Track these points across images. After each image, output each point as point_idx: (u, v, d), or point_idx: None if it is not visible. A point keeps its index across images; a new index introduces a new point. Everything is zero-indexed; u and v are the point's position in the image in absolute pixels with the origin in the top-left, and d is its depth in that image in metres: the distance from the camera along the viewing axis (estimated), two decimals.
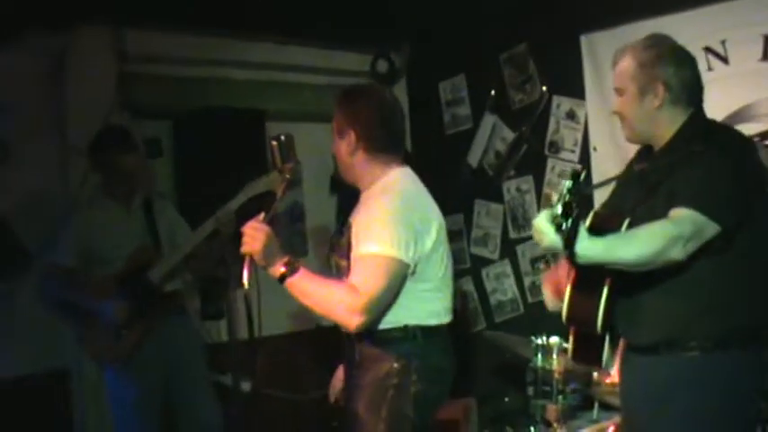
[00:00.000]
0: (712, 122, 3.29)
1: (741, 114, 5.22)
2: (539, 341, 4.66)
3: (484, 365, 6.13)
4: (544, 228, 2.78)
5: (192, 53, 5.83)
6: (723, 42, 5.30)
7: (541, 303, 6.13)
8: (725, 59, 5.30)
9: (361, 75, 6.88)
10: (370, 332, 3.42)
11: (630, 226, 3.05)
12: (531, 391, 4.74)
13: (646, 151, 3.37)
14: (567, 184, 2.70)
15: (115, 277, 4.92)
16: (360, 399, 3.46)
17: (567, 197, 2.69)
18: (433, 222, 3.53)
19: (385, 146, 3.58)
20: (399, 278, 3.39)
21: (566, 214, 2.69)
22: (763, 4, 5.15)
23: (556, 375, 4.57)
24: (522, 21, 6.13)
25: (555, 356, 4.58)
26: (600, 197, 4.18)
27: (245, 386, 5.51)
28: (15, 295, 5.19)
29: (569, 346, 3.32)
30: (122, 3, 5.18)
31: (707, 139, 3.09)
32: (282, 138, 3.57)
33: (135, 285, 4.91)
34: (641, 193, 3.19)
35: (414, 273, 3.44)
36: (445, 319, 3.60)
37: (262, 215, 3.44)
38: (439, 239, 3.53)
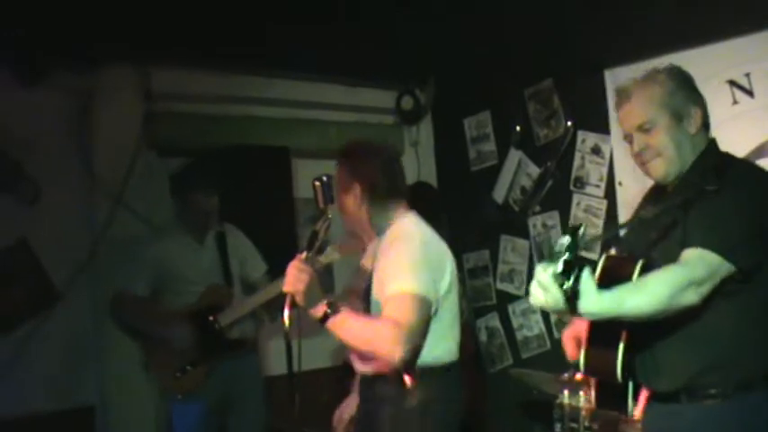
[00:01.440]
0: (726, 155, 3.13)
1: (766, 148, 5.20)
2: (566, 377, 4.63)
3: (511, 402, 6.10)
4: (548, 286, 2.61)
5: (217, 91, 5.88)
6: (748, 75, 5.28)
7: None
8: (750, 92, 5.29)
9: (387, 112, 6.93)
10: (392, 371, 3.60)
11: (645, 269, 2.92)
12: (558, 428, 4.71)
13: (658, 188, 3.25)
14: (566, 240, 2.55)
15: (186, 313, 4.97)
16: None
17: (567, 255, 2.55)
18: (447, 264, 3.74)
19: (389, 194, 3.80)
20: (427, 316, 3.57)
21: (566, 273, 2.56)
22: None
23: (583, 412, 4.53)
24: (547, 56, 6.14)
25: (582, 393, 4.54)
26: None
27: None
28: (44, 332, 5.21)
29: (593, 393, 3.24)
30: (148, 42, 5.21)
31: (720, 176, 2.92)
32: (325, 178, 3.63)
33: (204, 325, 4.95)
34: (655, 235, 3.07)
35: (435, 312, 3.63)
36: (457, 356, 3.78)
37: (304, 254, 3.53)
38: (452, 280, 3.73)
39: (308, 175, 5.72)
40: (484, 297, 6.75)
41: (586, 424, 4.51)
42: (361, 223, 3.85)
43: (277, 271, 4.56)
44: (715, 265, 2.80)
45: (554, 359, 5.99)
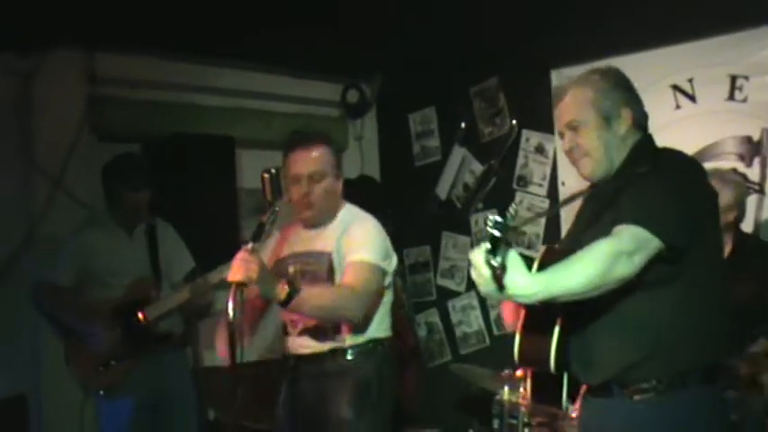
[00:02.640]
0: (660, 148, 3.12)
1: (708, 152, 5.28)
2: (505, 373, 4.65)
3: (449, 398, 6.12)
4: (478, 263, 2.59)
5: (163, 78, 5.83)
6: (691, 81, 5.37)
7: (507, 336, 6.21)
8: (692, 98, 5.37)
9: (332, 104, 6.91)
10: (350, 346, 3.94)
11: None
12: (496, 423, 4.73)
13: (595, 183, 3.20)
14: (495, 218, 2.51)
15: (111, 306, 4.87)
16: (339, 405, 3.89)
17: (495, 233, 2.50)
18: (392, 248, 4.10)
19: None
20: (381, 285, 3.97)
21: (494, 250, 2.51)
22: (730, 45, 5.22)
23: (522, 408, 4.55)
24: (494, 55, 6.17)
25: (521, 390, 4.56)
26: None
27: (210, 415, 5.50)
28: None
29: (528, 386, 3.23)
30: (93, 26, 5.13)
31: (652, 161, 2.94)
32: (274, 171, 3.64)
33: (130, 319, 4.87)
34: (588, 220, 3.09)
35: (388, 286, 4.03)
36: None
37: (250, 245, 3.55)
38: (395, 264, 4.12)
39: (251, 166, 5.75)
40: (424, 292, 6.77)
41: (525, 420, 4.54)
42: (330, 210, 4.03)
43: (217, 261, 4.52)
44: (643, 239, 2.75)
45: (493, 355, 6.05)
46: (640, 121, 3.10)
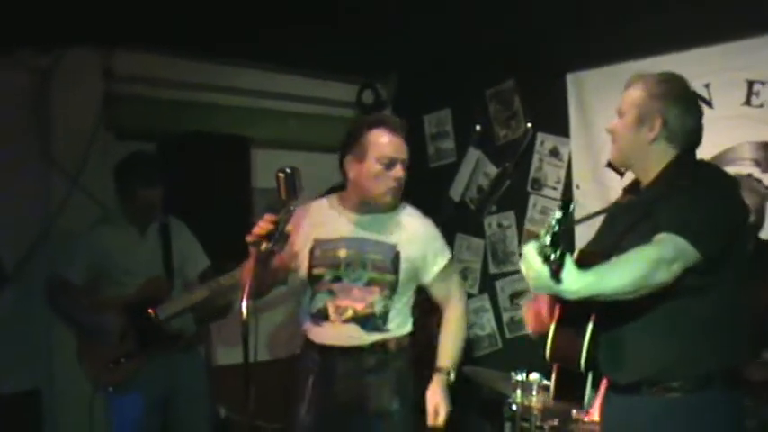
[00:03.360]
0: (700, 162, 3.26)
1: (724, 157, 5.26)
2: (518, 377, 4.65)
3: (461, 401, 6.10)
4: (532, 257, 2.73)
5: (180, 77, 5.85)
6: (707, 86, 5.35)
7: (520, 339, 6.20)
8: (709, 103, 5.35)
9: (348, 105, 6.92)
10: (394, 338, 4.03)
11: None
12: (508, 427, 4.73)
13: (632, 187, 3.35)
14: (557, 214, 2.65)
15: (123, 304, 4.88)
16: (382, 398, 3.97)
17: (556, 228, 2.64)
18: None
19: None
20: None
21: (554, 245, 2.65)
22: (747, 50, 5.21)
23: (534, 412, 4.55)
24: (510, 57, 6.16)
25: (534, 393, 4.56)
26: (581, 235, 4.19)
27: (221, 412, 5.50)
28: None
29: (551, 383, 3.30)
30: (111, 23, 5.15)
31: (693, 175, 3.08)
32: (289, 170, 3.60)
33: (141, 317, 4.88)
34: (625, 228, 3.16)
35: None
36: None
37: (264, 246, 3.53)
38: None
39: (267, 166, 5.76)
40: None
41: (538, 423, 4.53)
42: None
43: (231, 261, 4.53)
44: (682, 248, 2.88)
45: (505, 358, 6.05)
46: (677, 136, 3.17)
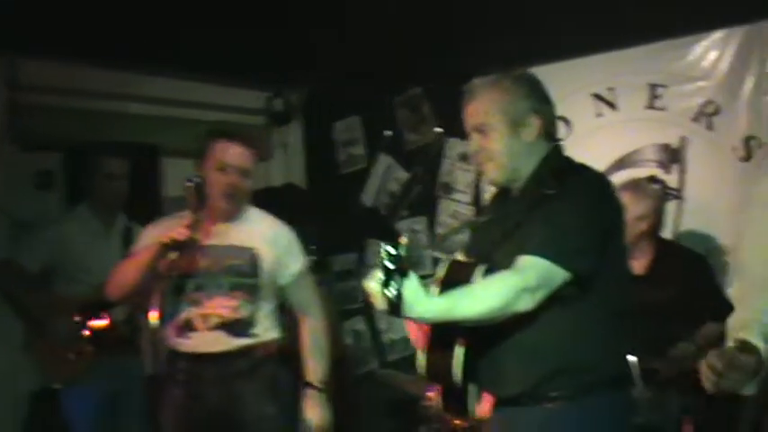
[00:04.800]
0: (567, 160, 3.12)
1: (628, 159, 5.38)
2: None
3: (376, 404, 6.13)
4: (373, 292, 2.66)
5: (87, 85, 5.75)
6: (611, 89, 5.47)
7: None
8: (613, 106, 5.47)
9: (257, 112, 6.89)
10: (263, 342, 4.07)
11: (488, 273, 2.91)
12: (423, 430, 4.75)
13: (501, 194, 3.23)
14: (387, 249, 2.55)
15: (79, 303, 4.83)
16: (256, 403, 3.98)
17: (388, 264, 2.54)
18: None
19: None
20: None
21: (387, 281, 2.55)
22: (649, 54, 5.33)
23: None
24: (418, 63, 6.20)
25: None
26: None
27: None
28: None
29: (438, 396, 3.24)
30: (16, 31, 5.07)
31: (560, 181, 2.92)
32: (197, 179, 3.65)
33: (94, 319, 4.82)
34: (497, 238, 3.03)
35: None
36: None
37: (172, 253, 3.60)
38: None
39: (177, 175, 5.71)
40: (350, 300, 6.77)
41: (450, 424, 4.56)
42: (243, 207, 4.07)
43: None
44: (548, 273, 2.79)
45: None
46: (550, 130, 3.08)
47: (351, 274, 6.75)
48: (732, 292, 2.84)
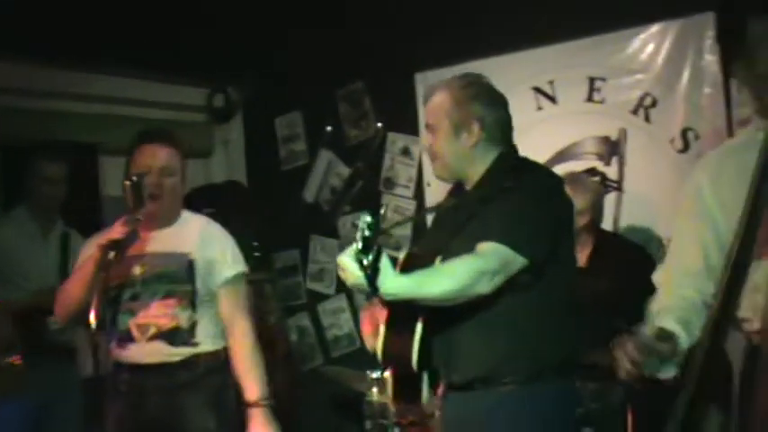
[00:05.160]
0: (523, 160, 3.27)
1: (568, 152, 5.43)
2: (374, 375, 4.68)
3: (321, 400, 6.13)
4: (348, 264, 2.75)
5: (26, 84, 5.66)
6: (551, 83, 5.52)
7: None
8: (553, 99, 5.52)
9: (198, 109, 6.85)
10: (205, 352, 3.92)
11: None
12: (368, 425, 4.76)
13: (457, 189, 3.35)
14: (366, 219, 2.64)
15: (14, 311, 4.76)
16: (198, 416, 3.84)
17: (367, 233, 2.63)
18: None
19: None
20: None
21: (366, 250, 2.64)
22: (588, 48, 5.39)
23: (392, 409, 4.59)
24: (359, 58, 6.21)
25: (390, 390, 4.59)
26: None
27: None
28: None
29: (390, 384, 3.30)
30: None
31: (517, 177, 3.08)
32: (136, 178, 3.64)
33: (29, 325, 4.75)
34: (453, 231, 3.16)
35: None
36: None
37: (112, 255, 3.52)
38: None
39: (117, 174, 5.66)
40: (294, 296, 6.76)
41: (395, 420, 4.58)
42: (175, 210, 3.97)
43: None
44: (508, 258, 2.93)
45: (364, 357, 6.04)
46: (497, 135, 3.19)
47: (294, 271, 6.73)
48: (655, 277, 2.91)
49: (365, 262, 2.65)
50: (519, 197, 3.01)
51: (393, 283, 2.78)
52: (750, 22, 2.66)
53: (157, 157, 3.82)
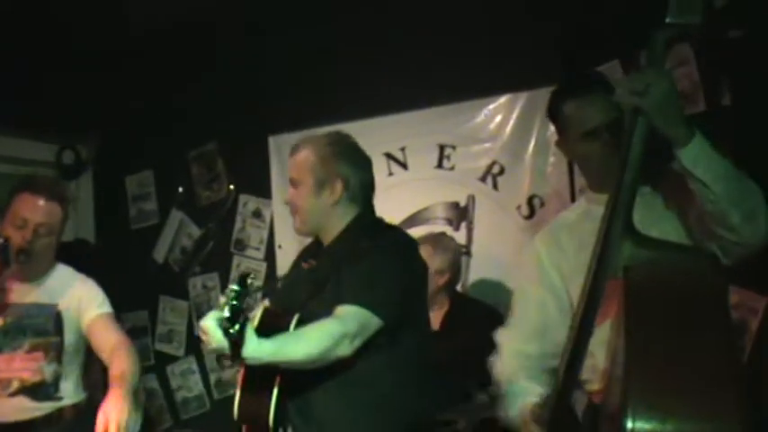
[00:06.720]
0: (379, 221, 3.33)
1: (418, 217, 5.53)
2: None
3: None
4: (212, 331, 2.73)
5: None
6: (403, 149, 5.62)
7: (228, 399, 6.19)
8: (404, 165, 5.62)
9: (47, 165, 6.71)
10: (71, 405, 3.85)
11: (301, 322, 3.05)
12: None
13: (314, 247, 3.40)
14: (235, 287, 2.65)
15: None
16: None
17: (235, 302, 2.64)
18: None
19: None
20: None
21: (233, 318, 2.64)
22: (439, 116, 5.52)
23: None
24: (213, 120, 6.22)
25: None
26: None
27: None
28: None
29: None
30: None
31: (373, 237, 3.14)
32: (2, 240, 3.55)
33: None
34: (311, 289, 3.19)
35: None
36: None
37: None
38: None
39: None
40: (142, 358, 6.58)
41: None
42: (47, 265, 3.87)
43: None
44: (366, 321, 2.96)
45: (214, 419, 6.03)
46: (359, 193, 3.25)
47: (143, 332, 6.62)
48: (498, 337, 3.06)
49: (232, 330, 2.65)
50: (374, 257, 3.05)
51: (256, 348, 2.77)
52: (563, 101, 2.83)
53: (37, 211, 3.70)
